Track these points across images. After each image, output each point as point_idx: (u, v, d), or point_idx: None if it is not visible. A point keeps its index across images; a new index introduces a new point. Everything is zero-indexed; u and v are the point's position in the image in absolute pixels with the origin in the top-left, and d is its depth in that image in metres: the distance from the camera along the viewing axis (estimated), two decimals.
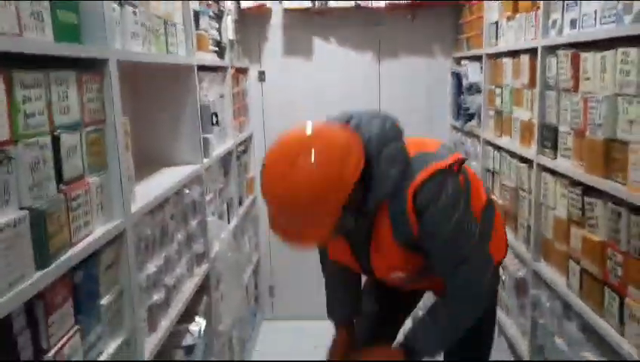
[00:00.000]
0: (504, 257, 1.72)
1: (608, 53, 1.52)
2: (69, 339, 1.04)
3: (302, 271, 3.70)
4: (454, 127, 3.42)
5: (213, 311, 2.22)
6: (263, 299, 3.77)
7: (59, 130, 1.04)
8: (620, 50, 1.47)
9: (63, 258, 1.01)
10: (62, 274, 1.01)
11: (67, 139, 1.06)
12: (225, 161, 2.68)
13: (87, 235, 1.13)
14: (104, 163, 1.25)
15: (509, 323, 2.45)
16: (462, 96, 3.08)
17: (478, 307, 1.48)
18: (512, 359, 2.40)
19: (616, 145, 1.51)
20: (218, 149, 2.43)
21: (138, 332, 1.37)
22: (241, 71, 3.28)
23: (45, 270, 0.95)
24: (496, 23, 2.61)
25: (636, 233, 1.43)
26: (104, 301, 1.22)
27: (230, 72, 2.79)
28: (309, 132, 1.30)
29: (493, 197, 2.66)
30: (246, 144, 3.35)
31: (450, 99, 3.39)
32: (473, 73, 2.95)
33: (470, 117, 3.00)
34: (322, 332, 3.37)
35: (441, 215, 1.35)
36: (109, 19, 1.24)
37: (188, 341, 1.89)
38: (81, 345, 1.09)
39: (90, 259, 1.15)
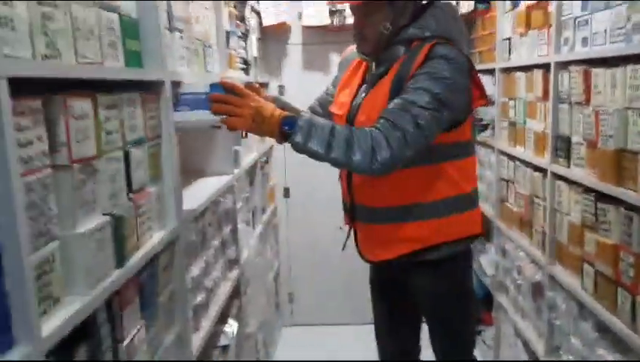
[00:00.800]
0: (479, 232, 1.79)
1: (618, 70, 1.64)
2: (137, 332, 1.17)
3: (321, 278, 3.83)
4: None
5: (243, 314, 2.33)
6: (282, 305, 3.88)
7: (129, 146, 1.17)
8: (630, 67, 1.58)
9: (134, 259, 1.14)
10: (134, 273, 1.13)
11: (135, 154, 1.19)
12: (250, 171, 2.80)
13: (149, 239, 1.26)
14: (159, 174, 1.38)
15: (525, 325, 2.54)
16: None
17: (371, 158, 1.41)
18: (527, 359, 2.49)
19: (627, 154, 1.62)
20: (246, 160, 2.56)
21: (187, 329, 1.49)
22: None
23: (122, 269, 1.08)
24: (509, 38, 2.74)
25: None
26: (161, 299, 1.35)
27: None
28: None
29: (509, 204, 2.77)
30: (267, 155, 3.48)
31: None
32: (486, 86, 3.06)
33: (484, 127, 3.11)
34: (341, 338, 3.52)
35: (436, 68, 1.50)
36: (164, 44, 1.38)
37: (223, 341, 2.01)
38: (145, 338, 1.22)
39: (152, 261, 1.28)
